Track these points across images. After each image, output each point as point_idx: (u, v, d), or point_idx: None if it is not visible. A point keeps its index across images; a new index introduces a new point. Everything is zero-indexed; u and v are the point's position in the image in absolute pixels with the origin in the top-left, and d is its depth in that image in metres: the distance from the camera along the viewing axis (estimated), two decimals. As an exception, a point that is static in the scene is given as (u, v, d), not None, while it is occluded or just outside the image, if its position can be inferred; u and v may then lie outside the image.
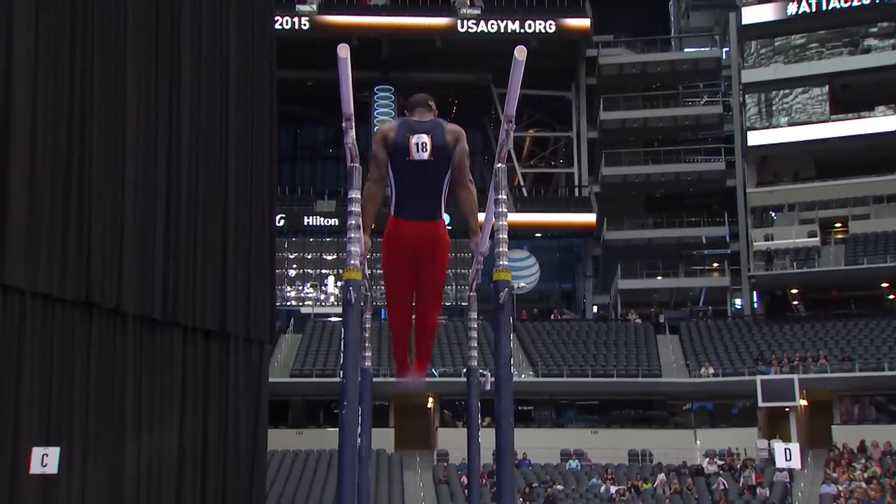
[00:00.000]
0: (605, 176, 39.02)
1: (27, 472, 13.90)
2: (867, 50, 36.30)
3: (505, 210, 4.41)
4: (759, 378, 29.64)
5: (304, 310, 38.47)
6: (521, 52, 3.87)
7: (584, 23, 38.76)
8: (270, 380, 22.36)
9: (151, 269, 17.51)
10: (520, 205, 38.42)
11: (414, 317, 5.55)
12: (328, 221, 37.95)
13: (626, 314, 36.72)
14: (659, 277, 38.36)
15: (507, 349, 4.28)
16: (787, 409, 29.88)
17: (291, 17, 37.41)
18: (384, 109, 40.02)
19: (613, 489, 26.38)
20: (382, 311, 38.16)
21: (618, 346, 33.58)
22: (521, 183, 40.46)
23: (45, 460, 13.75)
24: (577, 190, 40.34)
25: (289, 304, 38.49)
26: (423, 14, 38.74)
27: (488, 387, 5.41)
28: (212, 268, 18.96)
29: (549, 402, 32.31)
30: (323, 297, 38.92)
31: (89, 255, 16.10)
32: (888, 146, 34.28)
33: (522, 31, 37.75)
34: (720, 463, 28.16)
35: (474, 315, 6.21)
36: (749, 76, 37.06)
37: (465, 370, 6.41)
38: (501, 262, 4.30)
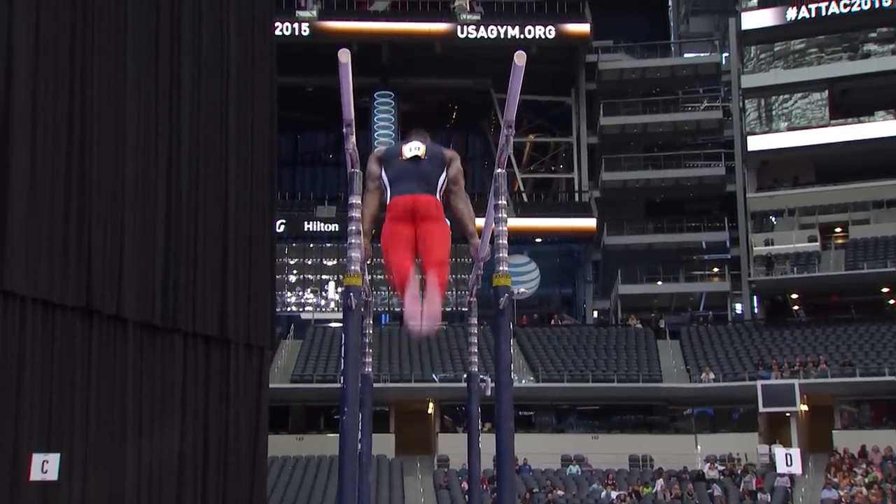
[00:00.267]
0: (605, 181, 39.03)
1: (27, 479, 13.88)
2: (867, 55, 36.30)
3: (505, 216, 4.42)
4: (759, 383, 29.62)
5: (304, 315, 38.46)
6: (520, 58, 3.88)
7: (583, 28, 38.77)
8: (271, 385, 22.35)
9: (152, 274, 17.51)
10: (520, 210, 38.43)
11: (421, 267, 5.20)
12: (328, 227, 37.95)
13: (626, 319, 36.70)
14: (659, 282, 38.34)
15: (508, 355, 4.29)
16: (787, 415, 29.85)
17: (292, 23, 37.42)
18: (384, 115, 40.05)
19: (614, 494, 26.34)
20: (383, 316, 38.34)
21: (618, 352, 33.56)
22: (522, 188, 40.46)
23: (45, 466, 13.74)
24: (577, 195, 40.33)
25: (289, 309, 38.47)
26: (424, 20, 38.76)
27: (489, 392, 5.42)
28: (212, 273, 18.96)
29: (549, 407, 32.28)
30: (323, 302, 38.92)
31: (89, 260, 16.10)
32: (888, 151, 34.25)
33: (522, 36, 37.76)
34: (721, 468, 28.13)
35: (474, 320, 6.22)
36: (749, 81, 37.06)
37: (465, 375, 6.38)
38: (501, 268, 4.31)
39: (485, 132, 42.67)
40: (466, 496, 22.65)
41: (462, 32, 38.09)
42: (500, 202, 4.44)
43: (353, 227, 4.50)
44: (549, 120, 42.18)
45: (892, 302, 35.14)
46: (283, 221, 36.30)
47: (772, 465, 26.62)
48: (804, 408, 30.16)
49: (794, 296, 35.83)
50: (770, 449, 27.80)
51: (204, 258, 18.81)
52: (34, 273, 15.05)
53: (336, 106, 4.37)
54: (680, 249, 38.87)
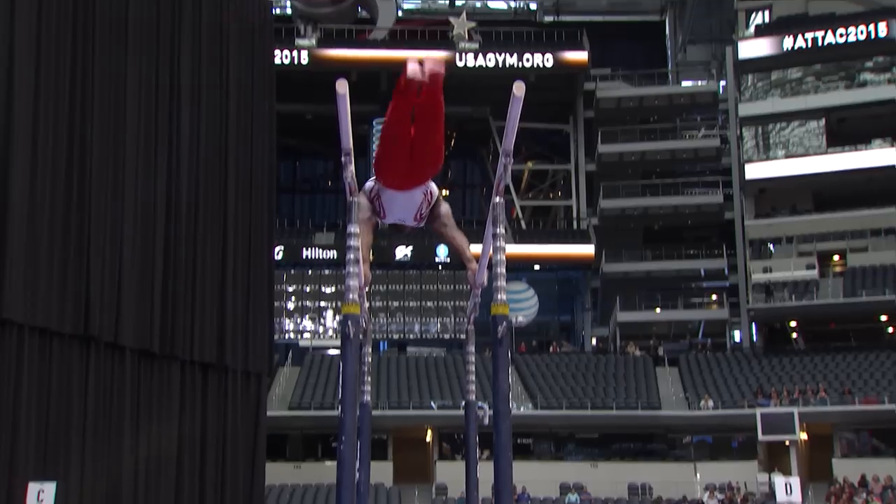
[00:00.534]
0: (603, 208, 39.09)
1: (23, 508, 13.80)
2: (863, 84, 36.46)
3: (503, 244, 4.43)
4: (758, 411, 29.51)
5: (302, 343, 38.35)
6: (519, 89, 3.91)
7: (581, 56, 38.96)
8: (268, 413, 22.28)
9: (150, 302, 17.50)
10: (518, 237, 38.43)
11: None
12: (327, 254, 37.92)
13: (625, 347, 36.63)
14: (658, 310, 38.27)
15: (506, 384, 4.27)
16: (787, 443, 29.74)
17: (291, 51, 37.59)
18: (383, 142, 40.06)
19: (613, 523, 26.20)
20: (382, 344, 38.25)
21: (617, 379, 33.46)
22: (520, 215, 40.51)
23: (41, 496, 13.65)
24: (575, 222, 40.38)
25: (287, 336, 38.37)
26: (422, 48, 38.89)
27: (486, 421, 5.40)
28: (210, 301, 18.94)
29: (548, 434, 32.14)
30: (321, 329, 38.83)
31: (87, 288, 16.08)
32: (885, 179, 34.36)
33: (520, 64, 37.94)
34: (720, 497, 27.98)
35: (472, 348, 6.22)
36: (746, 109, 37.21)
37: (463, 403, 6.36)
38: (500, 297, 4.31)
39: (483, 160, 42.77)
40: (465, 525, 22.47)
41: (461, 61, 38.26)
42: (498, 231, 4.45)
43: (352, 256, 4.51)
44: (547, 147, 42.31)
45: (890, 330, 35.09)
46: (282, 248, 36.26)
47: (771, 493, 26.45)
48: (804, 436, 30.05)
49: (793, 324, 35.79)
50: (770, 477, 27.67)
51: (202, 285, 18.81)
52: (32, 301, 15.03)
53: (335, 133, 4.39)
54: (678, 277, 38.87)
